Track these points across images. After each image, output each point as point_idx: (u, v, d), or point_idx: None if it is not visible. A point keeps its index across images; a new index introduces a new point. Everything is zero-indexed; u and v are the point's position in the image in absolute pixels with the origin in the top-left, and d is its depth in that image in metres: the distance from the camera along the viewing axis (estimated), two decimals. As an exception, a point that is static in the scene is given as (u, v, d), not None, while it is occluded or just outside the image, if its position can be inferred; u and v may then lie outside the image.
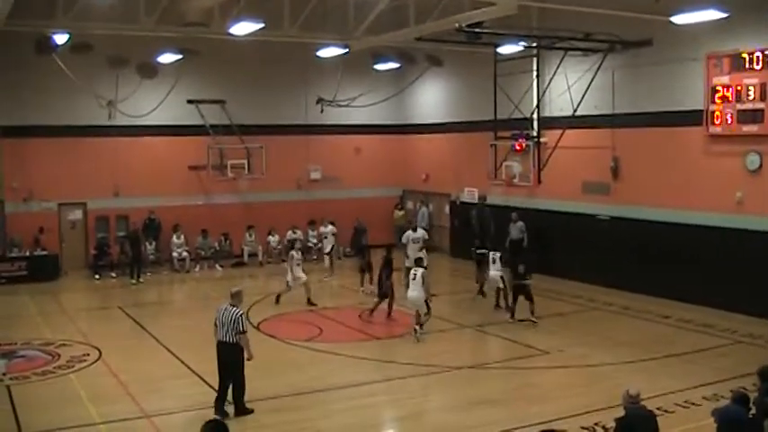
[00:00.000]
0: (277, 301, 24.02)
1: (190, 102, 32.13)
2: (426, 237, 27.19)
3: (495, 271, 22.61)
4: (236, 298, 14.65)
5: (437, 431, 13.88)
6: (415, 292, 19.82)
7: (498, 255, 22.85)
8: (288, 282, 23.93)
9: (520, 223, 28.27)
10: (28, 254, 29.36)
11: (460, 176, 32.31)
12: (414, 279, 20.01)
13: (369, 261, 25.75)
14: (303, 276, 23.94)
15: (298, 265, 23.94)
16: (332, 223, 30.85)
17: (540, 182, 28.70)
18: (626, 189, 25.49)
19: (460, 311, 22.97)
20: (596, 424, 13.35)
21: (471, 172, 31.68)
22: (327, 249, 29.74)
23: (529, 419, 13.47)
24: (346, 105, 33.09)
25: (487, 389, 15.97)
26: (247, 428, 13.93)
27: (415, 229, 26.90)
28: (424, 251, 24.82)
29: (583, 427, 13.24)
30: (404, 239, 26.47)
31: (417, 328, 19.48)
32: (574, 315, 22.62)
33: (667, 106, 23.86)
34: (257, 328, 21.28)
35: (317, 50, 27.24)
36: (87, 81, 27.90)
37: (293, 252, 24.27)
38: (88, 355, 18.80)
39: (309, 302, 23.96)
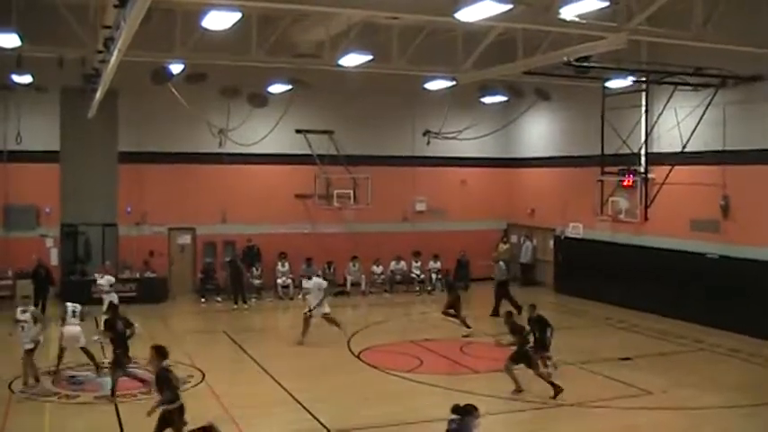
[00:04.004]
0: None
1: (298, 131, 32.68)
2: (323, 286, 23.56)
3: None
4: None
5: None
6: None
7: None
8: None
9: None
10: (138, 276, 30.22)
11: (566, 211, 31.96)
12: None
13: (458, 296, 25.49)
14: None
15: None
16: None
17: (647, 218, 28.26)
18: (736, 227, 24.86)
19: (563, 348, 22.62)
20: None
21: (577, 207, 31.34)
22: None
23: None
24: (453, 138, 33.17)
25: (588, 428, 15.72)
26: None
27: (309, 278, 24.98)
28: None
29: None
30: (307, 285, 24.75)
31: None
32: (679, 355, 22.06)
33: (781, 143, 23.28)
34: (358, 357, 21.41)
35: (425, 83, 27.41)
36: (200, 109, 28.64)
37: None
38: (192, 376, 19.16)
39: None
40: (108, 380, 18.63)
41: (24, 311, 18.03)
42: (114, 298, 22.91)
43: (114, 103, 29.62)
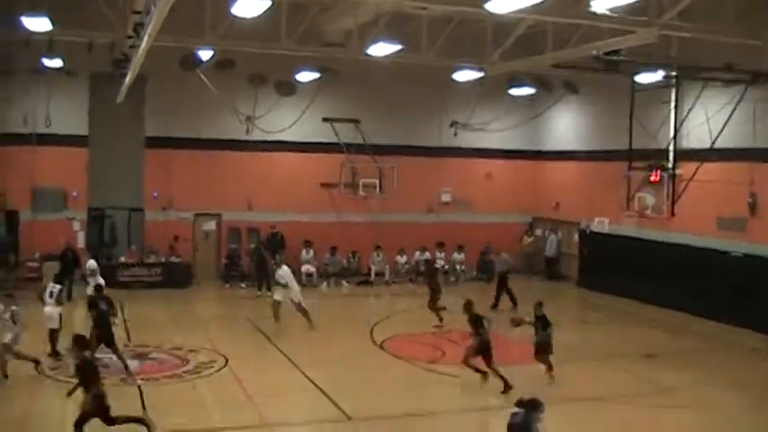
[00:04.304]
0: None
1: (325, 120, 32.69)
2: (284, 282, 23.58)
3: None
4: None
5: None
6: None
7: None
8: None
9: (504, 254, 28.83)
10: (164, 260, 30.42)
11: (592, 205, 31.77)
12: None
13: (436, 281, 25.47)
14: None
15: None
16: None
17: (673, 215, 28.08)
18: (763, 226, 24.61)
19: (585, 343, 22.56)
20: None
21: (603, 201, 31.13)
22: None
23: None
24: (480, 129, 33.12)
25: (609, 423, 15.63)
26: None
27: (279, 265, 24.39)
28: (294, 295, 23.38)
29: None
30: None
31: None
32: (702, 353, 21.89)
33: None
34: (381, 346, 21.45)
35: (453, 73, 27.33)
36: (228, 96, 28.74)
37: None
38: (215, 362, 19.28)
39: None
40: (133, 362, 18.86)
41: (6, 311, 17.60)
42: (100, 281, 22.36)
43: (143, 89, 29.74)
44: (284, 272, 23.66)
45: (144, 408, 15.57)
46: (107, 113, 29.78)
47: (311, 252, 31.88)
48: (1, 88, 28.42)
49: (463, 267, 33.36)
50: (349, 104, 32.94)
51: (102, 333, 17.82)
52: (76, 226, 30.35)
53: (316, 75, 27.10)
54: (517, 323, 18.62)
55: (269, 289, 29.26)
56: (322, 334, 22.72)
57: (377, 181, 32.81)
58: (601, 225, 31.07)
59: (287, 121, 30.84)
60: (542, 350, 18.12)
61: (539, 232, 35.89)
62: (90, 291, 21.43)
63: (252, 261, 30.58)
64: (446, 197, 34.94)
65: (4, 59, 27.56)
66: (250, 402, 16.20)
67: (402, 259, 33.22)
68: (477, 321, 17.71)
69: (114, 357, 18.63)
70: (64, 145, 29.48)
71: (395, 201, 32.77)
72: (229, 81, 27.13)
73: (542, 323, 18.19)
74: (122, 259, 30.31)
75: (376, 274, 32.58)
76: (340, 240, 32.36)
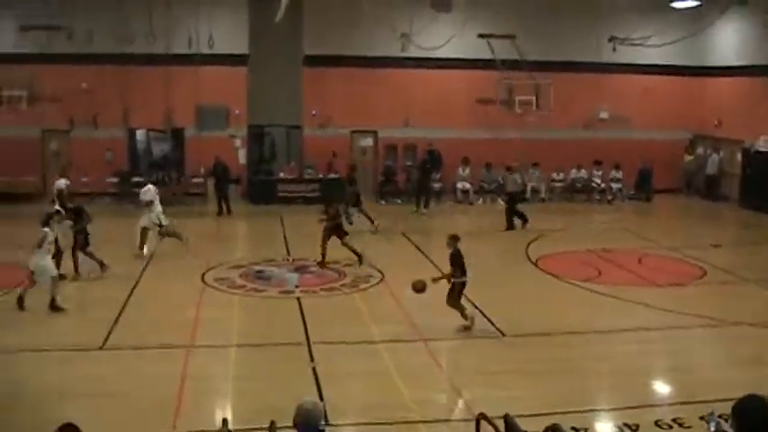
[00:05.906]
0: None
1: (480, 36, 32.34)
2: (147, 198, 21.79)
3: None
4: None
5: (708, 386, 13.23)
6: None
7: None
8: None
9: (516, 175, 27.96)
10: (321, 177, 31.09)
11: (757, 123, 30.57)
12: None
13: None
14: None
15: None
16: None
17: None
18: None
19: (745, 265, 21.97)
20: None
21: (769, 119, 29.91)
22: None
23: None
24: (639, 44, 32.13)
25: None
26: (515, 360, 14.23)
27: (144, 185, 22.79)
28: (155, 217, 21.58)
29: None
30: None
31: None
32: None
33: None
34: (535, 264, 21.47)
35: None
36: (384, 13, 28.78)
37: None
38: (372, 276, 19.80)
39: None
40: (292, 275, 19.61)
41: None
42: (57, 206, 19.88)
43: (300, 8, 30.12)
44: (149, 189, 22.08)
45: (303, 319, 16.23)
46: (266, 33, 30.33)
47: (467, 169, 32.02)
48: (166, 11, 29.30)
49: (620, 186, 32.84)
50: (505, 20, 32.42)
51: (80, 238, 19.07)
52: (237, 143, 31.39)
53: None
54: (420, 289, 15.91)
55: (426, 206, 29.63)
56: (477, 251, 22.86)
57: (533, 98, 32.39)
58: (766, 143, 29.92)
59: (443, 38, 30.66)
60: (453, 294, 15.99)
61: (699, 150, 34.82)
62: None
63: (415, 177, 30.86)
64: (604, 114, 34.21)
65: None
66: (405, 317, 16.60)
67: (558, 177, 33.00)
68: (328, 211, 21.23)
69: (276, 269, 19.56)
70: (225, 64, 30.33)
71: (551, 117, 32.33)
72: (385, -2, 27.19)
73: (458, 259, 15.99)
74: (282, 175, 31.19)
75: (532, 191, 32.44)
76: (495, 157, 32.27)
